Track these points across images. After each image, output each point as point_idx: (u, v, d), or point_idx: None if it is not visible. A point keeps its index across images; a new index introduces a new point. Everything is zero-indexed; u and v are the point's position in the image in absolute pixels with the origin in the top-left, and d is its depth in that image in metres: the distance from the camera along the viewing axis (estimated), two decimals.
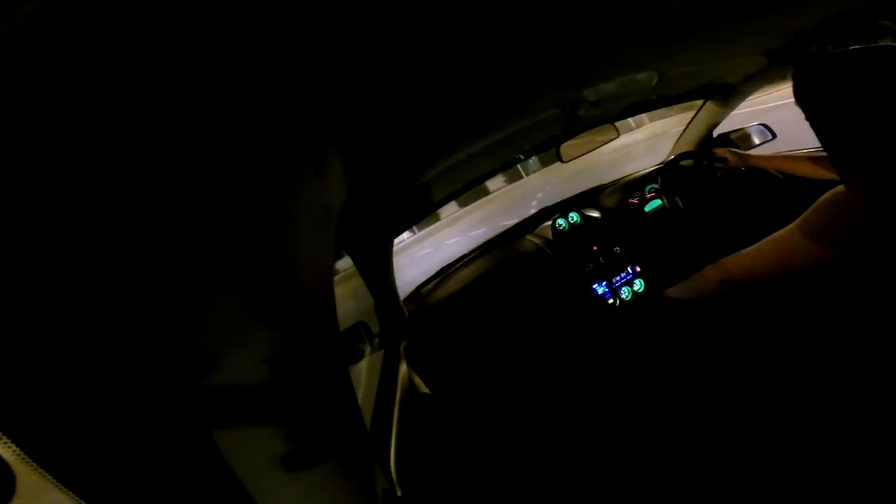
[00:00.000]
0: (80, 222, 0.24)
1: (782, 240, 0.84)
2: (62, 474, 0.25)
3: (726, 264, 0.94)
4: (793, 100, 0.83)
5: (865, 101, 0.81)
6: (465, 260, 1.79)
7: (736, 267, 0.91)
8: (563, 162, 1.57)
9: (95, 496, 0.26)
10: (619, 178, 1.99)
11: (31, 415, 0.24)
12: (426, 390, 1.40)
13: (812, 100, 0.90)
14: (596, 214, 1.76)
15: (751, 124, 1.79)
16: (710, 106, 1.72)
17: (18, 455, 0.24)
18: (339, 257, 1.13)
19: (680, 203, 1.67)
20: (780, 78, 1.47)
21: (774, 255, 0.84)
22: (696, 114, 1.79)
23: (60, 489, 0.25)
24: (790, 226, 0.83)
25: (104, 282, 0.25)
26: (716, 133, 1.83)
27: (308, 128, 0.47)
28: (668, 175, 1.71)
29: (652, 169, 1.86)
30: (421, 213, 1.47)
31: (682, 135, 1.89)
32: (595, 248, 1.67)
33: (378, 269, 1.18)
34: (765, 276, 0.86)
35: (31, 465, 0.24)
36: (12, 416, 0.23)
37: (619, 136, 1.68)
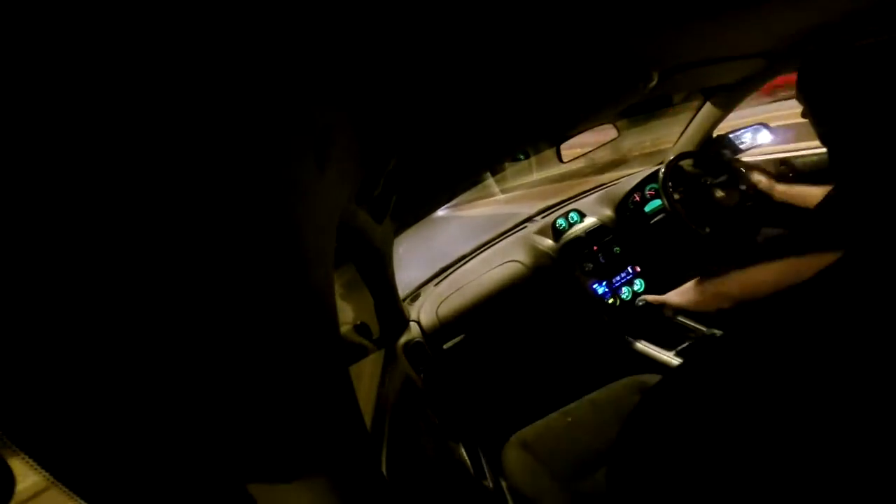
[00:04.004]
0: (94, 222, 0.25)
1: (780, 269, 0.84)
2: (66, 477, 0.25)
3: (726, 284, 0.94)
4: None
5: (868, 96, 0.82)
6: (466, 260, 1.79)
7: (735, 287, 0.92)
8: (562, 162, 1.57)
9: (98, 498, 0.26)
10: (618, 177, 1.99)
11: (37, 421, 0.24)
12: (424, 389, 1.40)
13: (816, 95, 0.90)
14: (596, 216, 1.76)
15: (751, 124, 1.80)
16: (709, 106, 1.72)
17: (27, 462, 0.24)
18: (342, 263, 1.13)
19: (680, 203, 1.67)
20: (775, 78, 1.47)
21: (773, 277, 0.85)
22: (696, 114, 1.79)
23: (64, 492, 0.25)
24: (788, 259, 0.83)
25: (109, 284, 0.26)
26: (715, 133, 1.84)
27: (312, 130, 0.47)
28: (668, 175, 1.71)
29: (653, 169, 1.86)
30: (421, 212, 1.47)
31: (682, 135, 1.89)
32: (595, 248, 1.68)
33: (378, 270, 1.18)
34: (762, 294, 0.87)
35: (36, 469, 0.24)
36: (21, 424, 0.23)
37: (619, 135, 1.68)
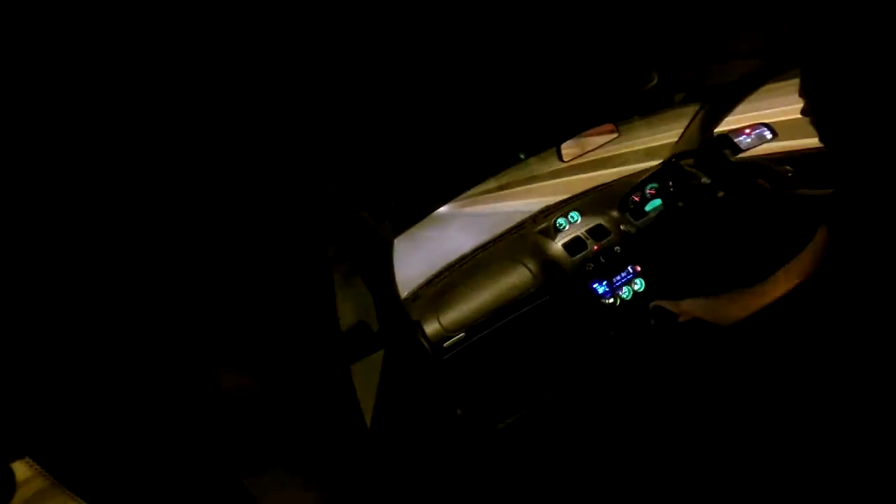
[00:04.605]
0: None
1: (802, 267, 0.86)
2: (67, 477, 0.25)
3: (761, 295, 0.95)
4: None
5: (873, 95, 0.81)
6: (466, 260, 1.79)
7: (769, 296, 0.93)
8: (563, 162, 1.57)
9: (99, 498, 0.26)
10: (618, 177, 1.99)
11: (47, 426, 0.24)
12: (424, 388, 1.40)
13: (819, 93, 0.90)
14: (596, 216, 1.76)
15: (751, 124, 1.79)
16: (709, 106, 1.72)
17: (33, 467, 0.24)
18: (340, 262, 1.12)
19: (680, 202, 1.67)
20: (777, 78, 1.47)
21: (798, 276, 0.86)
22: (696, 114, 1.79)
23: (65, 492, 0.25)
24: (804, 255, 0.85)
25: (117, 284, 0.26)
26: (715, 133, 1.83)
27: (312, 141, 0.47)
28: (668, 174, 1.71)
29: (653, 168, 1.86)
30: (422, 213, 1.48)
31: (682, 135, 1.89)
32: (595, 247, 1.68)
33: (378, 270, 1.18)
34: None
35: (39, 471, 0.24)
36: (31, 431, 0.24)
37: (619, 135, 1.68)
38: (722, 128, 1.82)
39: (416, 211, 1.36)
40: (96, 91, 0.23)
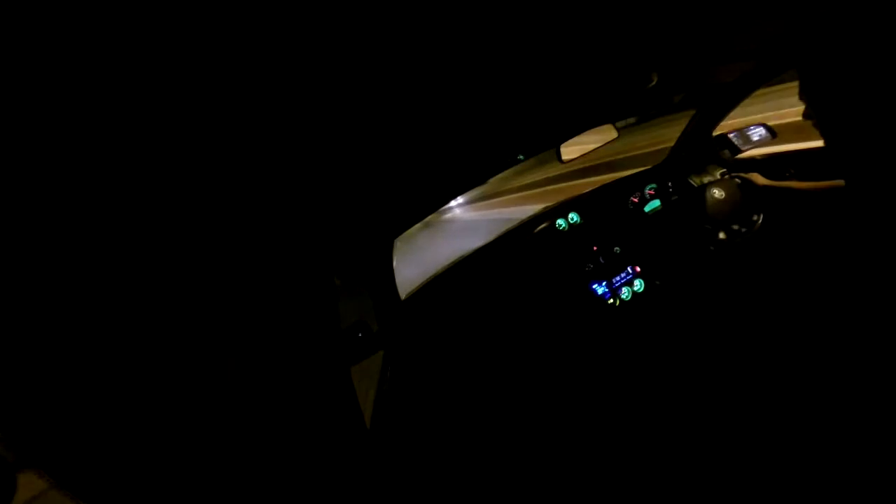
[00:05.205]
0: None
1: None
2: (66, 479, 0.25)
3: None
4: None
5: (874, 96, 0.81)
6: (466, 261, 1.79)
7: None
8: (562, 162, 1.57)
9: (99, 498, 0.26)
10: (618, 178, 1.99)
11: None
12: (424, 389, 1.40)
13: (820, 94, 0.90)
14: (596, 217, 1.76)
15: (750, 125, 1.80)
16: (707, 108, 1.72)
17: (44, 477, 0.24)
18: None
19: (679, 203, 1.68)
20: (775, 78, 1.47)
21: None
22: (695, 115, 1.79)
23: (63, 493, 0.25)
24: None
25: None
26: (715, 133, 1.84)
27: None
28: (667, 175, 1.71)
29: (652, 169, 1.86)
30: (421, 214, 1.47)
31: (680, 136, 1.89)
32: (595, 248, 1.68)
33: (378, 270, 1.18)
34: None
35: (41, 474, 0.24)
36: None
37: (618, 136, 1.68)
38: (721, 129, 1.82)
39: (415, 212, 1.37)
40: (109, 97, 0.23)
